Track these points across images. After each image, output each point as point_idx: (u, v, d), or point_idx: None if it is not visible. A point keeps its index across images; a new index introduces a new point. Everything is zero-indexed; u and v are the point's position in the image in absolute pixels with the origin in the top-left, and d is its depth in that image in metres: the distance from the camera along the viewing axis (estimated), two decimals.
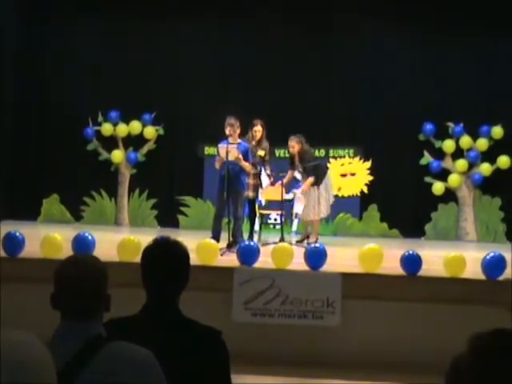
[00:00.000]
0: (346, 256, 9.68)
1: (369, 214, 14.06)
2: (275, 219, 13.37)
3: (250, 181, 11.00)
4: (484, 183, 13.84)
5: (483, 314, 7.60)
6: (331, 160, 14.07)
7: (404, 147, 13.85)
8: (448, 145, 13.92)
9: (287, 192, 11.76)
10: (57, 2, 13.93)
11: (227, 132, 10.24)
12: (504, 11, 13.13)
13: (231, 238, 9.94)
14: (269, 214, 13.20)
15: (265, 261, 8.36)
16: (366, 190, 14.06)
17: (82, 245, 8.10)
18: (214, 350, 3.06)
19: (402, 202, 13.68)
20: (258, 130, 11.17)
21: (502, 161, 13.68)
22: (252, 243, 8.90)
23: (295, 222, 14.14)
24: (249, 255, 8.28)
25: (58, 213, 14.17)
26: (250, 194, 11.09)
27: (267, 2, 13.52)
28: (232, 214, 10.17)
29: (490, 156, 13.76)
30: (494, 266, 8.00)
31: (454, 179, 13.86)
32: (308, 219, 11.89)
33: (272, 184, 11.54)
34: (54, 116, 13.86)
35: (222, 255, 9.00)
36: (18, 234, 8.38)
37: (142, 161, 14.27)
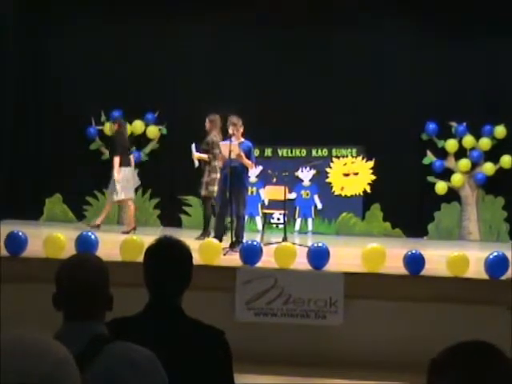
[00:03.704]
0: (348, 255, 9.68)
1: (371, 213, 14.06)
2: (278, 219, 13.38)
3: (218, 175, 11.16)
4: (487, 183, 13.84)
5: (486, 314, 7.60)
6: (334, 159, 14.07)
7: (407, 147, 13.85)
8: (451, 144, 13.92)
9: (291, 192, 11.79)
10: (57, 2, 13.93)
11: (230, 131, 10.24)
12: (504, 11, 13.11)
13: (234, 238, 9.94)
14: (272, 214, 13.21)
15: (267, 260, 8.36)
16: (368, 189, 14.05)
17: (85, 244, 8.10)
18: (216, 350, 3.06)
19: (405, 202, 13.67)
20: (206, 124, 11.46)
21: (505, 160, 13.67)
22: (255, 243, 8.88)
23: (298, 221, 14.16)
24: (251, 255, 8.27)
25: (61, 212, 14.17)
26: (203, 192, 11.28)
27: (267, 2, 13.52)
28: (234, 213, 10.16)
29: (492, 155, 13.76)
30: (496, 265, 7.99)
31: (456, 179, 13.85)
32: (121, 199, 12.21)
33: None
34: (56, 116, 13.86)
35: (224, 255, 9.00)
36: (20, 233, 8.38)
37: (145, 160, 14.27)
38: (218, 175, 11.20)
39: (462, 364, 1.54)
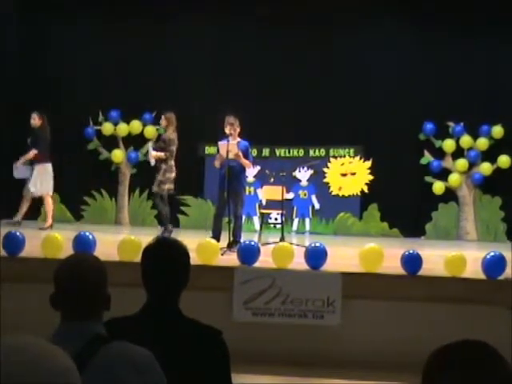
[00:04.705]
0: (346, 255, 9.67)
1: (369, 213, 14.07)
2: (275, 219, 13.38)
3: (173, 174, 11.16)
4: (484, 183, 13.85)
5: (483, 314, 7.61)
6: (331, 159, 14.08)
7: (404, 147, 13.86)
8: (448, 144, 13.93)
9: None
10: (57, 2, 13.94)
11: (227, 131, 10.24)
12: (504, 11, 13.12)
13: (232, 238, 9.94)
14: (269, 214, 13.21)
15: (265, 260, 8.35)
16: (366, 189, 14.07)
17: (83, 244, 8.10)
18: (214, 350, 3.06)
19: (403, 202, 13.68)
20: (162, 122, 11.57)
21: (502, 160, 13.68)
22: (253, 243, 8.87)
23: (295, 221, 14.16)
24: (249, 255, 8.27)
25: (59, 212, 14.16)
26: (155, 188, 11.24)
27: (267, 2, 13.53)
28: (232, 213, 10.17)
29: (490, 155, 13.77)
30: (494, 265, 7.99)
31: (454, 179, 13.86)
32: (39, 194, 12.24)
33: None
34: (54, 116, 13.83)
35: (222, 255, 9.00)
36: (18, 233, 8.38)
37: (143, 160, 14.26)
38: (174, 174, 11.15)
39: (455, 363, 1.54)
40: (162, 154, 11.12)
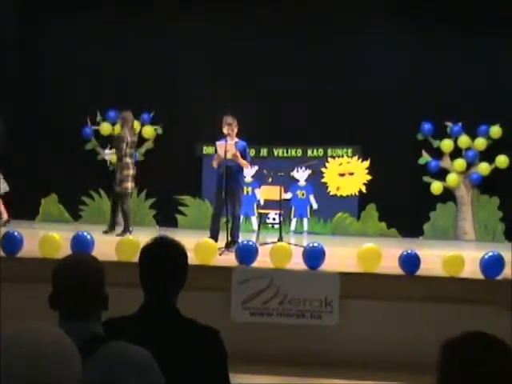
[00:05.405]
0: (344, 255, 9.68)
1: (367, 213, 14.07)
2: (273, 219, 13.39)
3: (131, 171, 11.25)
4: (482, 183, 13.86)
5: (482, 314, 7.60)
6: (329, 159, 14.08)
7: (402, 147, 13.86)
8: (446, 144, 13.94)
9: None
10: (56, 2, 13.94)
11: (225, 131, 10.23)
12: (504, 11, 13.13)
13: (229, 238, 9.94)
14: (267, 214, 13.21)
15: (263, 260, 8.36)
16: (364, 189, 14.07)
17: (81, 244, 8.10)
18: (212, 350, 3.07)
19: (401, 202, 13.68)
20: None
21: (501, 160, 13.69)
22: (251, 243, 8.87)
23: (293, 221, 14.16)
24: (247, 255, 8.27)
25: (57, 212, 14.17)
26: (117, 188, 11.33)
27: (267, 2, 13.53)
28: (230, 213, 10.16)
29: (488, 155, 13.78)
30: (492, 265, 8.00)
31: (452, 179, 13.87)
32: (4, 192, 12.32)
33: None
34: (52, 115, 13.86)
35: (220, 255, 9.00)
36: (16, 233, 8.37)
37: (141, 160, 14.26)
38: (131, 171, 11.29)
39: (469, 354, 1.55)
40: (112, 153, 11.33)
